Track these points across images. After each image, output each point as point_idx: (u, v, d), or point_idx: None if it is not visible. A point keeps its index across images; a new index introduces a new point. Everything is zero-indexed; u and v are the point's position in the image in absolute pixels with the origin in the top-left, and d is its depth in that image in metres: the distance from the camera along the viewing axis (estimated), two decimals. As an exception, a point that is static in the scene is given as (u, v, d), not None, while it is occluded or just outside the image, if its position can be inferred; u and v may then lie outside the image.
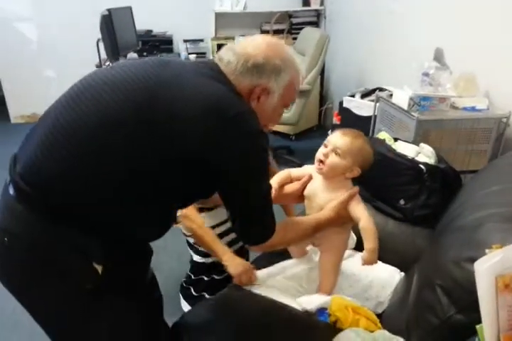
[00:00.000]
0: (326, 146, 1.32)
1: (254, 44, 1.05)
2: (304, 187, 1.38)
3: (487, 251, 0.60)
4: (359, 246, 1.63)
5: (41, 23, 4.29)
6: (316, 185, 1.37)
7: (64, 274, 0.92)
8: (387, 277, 1.47)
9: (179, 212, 1.51)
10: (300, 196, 1.40)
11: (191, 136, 0.91)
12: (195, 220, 1.54)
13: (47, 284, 0.94)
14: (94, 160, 0.90)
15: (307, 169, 1.42)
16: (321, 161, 1.31)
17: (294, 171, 1.44)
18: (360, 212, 1.27)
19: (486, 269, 0.56)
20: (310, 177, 1.38)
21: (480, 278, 0.57)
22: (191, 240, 1.72)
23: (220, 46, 4.28)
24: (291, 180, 1.42)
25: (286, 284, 1.43)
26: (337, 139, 1.30)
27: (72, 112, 0.92)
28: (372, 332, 1.16)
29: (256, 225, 1.06)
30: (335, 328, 1.20)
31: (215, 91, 0.96)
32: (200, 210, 1.63)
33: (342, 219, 1.28)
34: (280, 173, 1.42)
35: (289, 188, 1.39)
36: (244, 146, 0.95)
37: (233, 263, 1.44)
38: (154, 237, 1.06)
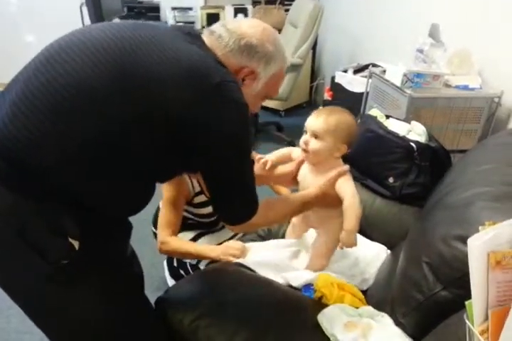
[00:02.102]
0: (306, 133, 1.27)
1: (250, 24, 1.02)
2: (298, 169, 1.34)
3: (480, 228, 0.59)
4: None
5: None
6: (306, 169, 1.33)
7: (38, 250, 0.88)
8: (374, 254, 1.47)
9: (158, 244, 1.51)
10: (294, 178, 1.36)
11: (171, 102, 0.87)
12: (172, 243, 1.50)
13: (20, 260, 0.90)
14: (65, 125, 0.85)
15: None
16: (304, 150, 1.26)
17: (296, 151, 1.37)
18: (346, 190, 1.22)
19: (479, 245, 0.55)
20: (303, 159, 1.33)
21: (473, 254, 0.56)
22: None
23: (209, 15, 4.16)
24: (290, 159, 1.37)
25: (274, 259, 1.43)
26: (312, 122, 1.25)
27: (42, 77, 0.86)
28: (357, 308, 1.16)
29: (237, 203, 1.02)
30: (320, 304, 1.21)
31: (196, 56, 0.91)
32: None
33: (330, 198, 1.24)
34: (282, 150, 1.38)
35: (283, 169, 1.35)
36: (228, 116, 0.91)
37: (211, 250, 1.45)
38: (131, 212, 1.02)
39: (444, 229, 1.02)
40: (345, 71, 2.93)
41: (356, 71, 2.87)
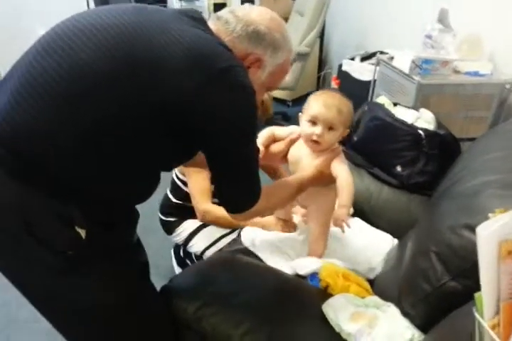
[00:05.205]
0: (314, 123, 1.22)
1: (258, 12, 0.99)
2: (289, 147, 1.32)
3: (490, 215, 0.56)
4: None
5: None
6: (300, 149, 1.30)
7: (43, 240, 0.87)
8: (380, 242, 1.45)
9: (198, 215, 1.54)
10: (284, 157, 1.33)
11: (176, 87, 0.84)
12: (216, 211, 1.50)
13: (26, 250, 0.89)
14: (68, 112, 0.83)
15: (293, 129, 1.34)
16: (315, 141, 1.22)
17: (279, 130, 1.35)
18: (340, 170, 1.22)
19: (489, 234, 0.53)
20: (298, 136, 1.29)
21: (482, 244, 0.53)
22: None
23: (216, 5, 4.11)
24: (274, 140, 1.34)
25: (277, 247, 1.42)
26: (326, 114, 1.20)
27: (44, 62, 0.84)
28: (363, 298, 1.15)
29: (241, 190, 1.00)
30: (326, 294, 1.19)
31: (201, 40, 0.89)
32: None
33: (325, 178, 1.23)
34: (263, 132, 1.34)
35: (274, 148, 1.32)
36: (235, 102, 0.88)
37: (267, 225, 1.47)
38: (137, 200, 1.01)
39: (452, 218, 1.00)
40: (353, 59, 2.89)
41: (364, 59, 2.82)
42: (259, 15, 0.98)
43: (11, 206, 0.86)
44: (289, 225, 1.48)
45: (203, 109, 0.87)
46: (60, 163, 0.86)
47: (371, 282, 1.29)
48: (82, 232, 0.88)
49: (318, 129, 1.21)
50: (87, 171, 0.88)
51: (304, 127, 1.24)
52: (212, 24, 0.97)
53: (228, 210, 1.04)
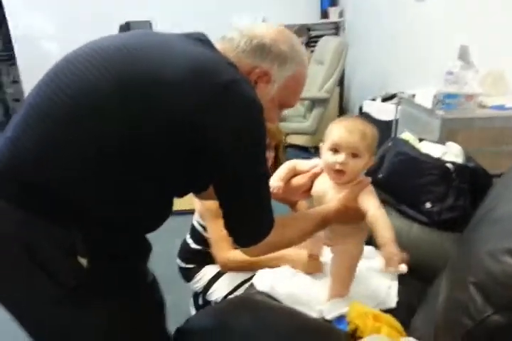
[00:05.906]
0: (336, 151, 1.11)
1: (263, 26, 1.00)
2: (312, 180, 1.21)
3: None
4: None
5: (63, 41, 4.36)
6: (324, 183, 1.19)
7: (43, 269, 0.83)
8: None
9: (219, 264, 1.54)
10: (307, 191, 1.22)
11: (180, 105, 0.82)
12: (237, 257, 1.44)
13: (27, 280, 0.85)
14: (71, 136, 0.82)
15: (316, 162, 1.23)
16: (339, 171, 1.12)
17: (301, 163, 1.25)
18: (369, 203, 1.07)
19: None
20: (322, 170, 1.19)
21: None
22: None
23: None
24: (295, 173, 1.23)
25: (298, 288, 1.32)
26: (349, 138, 1.10)
27: (48, 88, 0.85)
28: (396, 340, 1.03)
29: (250, 218, 0.92)
30: (354, 337, 1.08)
31: (203, 55, 0.89)
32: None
33: (352, 213, 1.09)
34: (284, 165, 1.24)
35: (295, 182, 1.21)
36: (239, 118, 0.84)
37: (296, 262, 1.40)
38: (145, 229, 0.96)
39: (490, 244, 0.90)
40: (374, 100, 2.90)
41: (384, 99, 2.82)
42: (264, 29, 0.97)
43: (14, 233, 0.84)
44: (315, 266, 1.37)
45: (207, 126, 0.84)
46: (64, 189, 0.83)
47: (405, 324, 1.16)
48: (84, 261, 0.84)
49: (340, 157, 1.10)
50: (92, 197, 0.85)
51: (326, 156, 1.14)
52: (218, 44, 0.97)
53: (238, 243, 0.96)
